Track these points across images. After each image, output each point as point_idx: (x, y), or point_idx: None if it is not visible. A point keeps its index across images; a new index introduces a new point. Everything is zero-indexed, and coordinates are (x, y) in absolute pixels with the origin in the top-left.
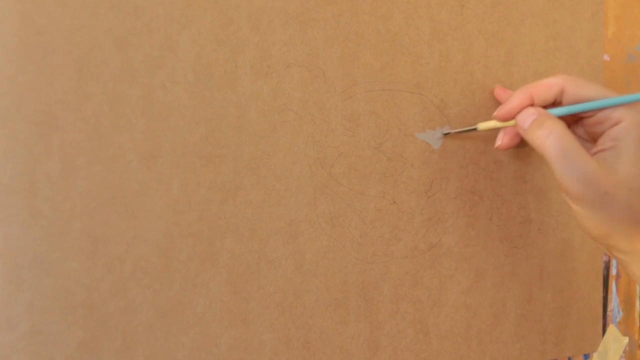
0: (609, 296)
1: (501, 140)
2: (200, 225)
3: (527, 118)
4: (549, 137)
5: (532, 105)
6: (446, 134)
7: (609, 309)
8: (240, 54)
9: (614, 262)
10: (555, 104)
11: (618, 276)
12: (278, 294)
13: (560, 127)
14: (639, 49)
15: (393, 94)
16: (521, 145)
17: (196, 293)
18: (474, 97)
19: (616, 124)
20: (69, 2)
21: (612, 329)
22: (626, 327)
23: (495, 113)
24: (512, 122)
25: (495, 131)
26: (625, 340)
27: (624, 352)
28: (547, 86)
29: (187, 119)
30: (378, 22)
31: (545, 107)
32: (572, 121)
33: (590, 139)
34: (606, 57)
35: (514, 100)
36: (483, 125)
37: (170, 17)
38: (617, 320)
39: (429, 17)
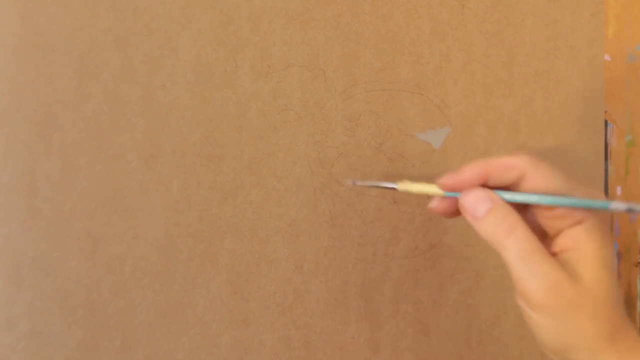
0: None
1: (438, 204)
2: (200, 225)
3: (478, 205)
4: (510, 236)
5: (484, 184)
6: (357, 184)
7: None
8: (240, 54)
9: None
10: (509, 187)
11: (618, 277)
12: (278, 294)
13: (522, 226)
14: (639, 49)
15: (393, 93)
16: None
17: (196, 293)
18: (474, 97)
19: (578, 223)
20: (69, 2)
21: None
22: None
23: (441, 179)
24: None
25: None
26: None
27: None
28: (508, 167)
29: (187, 119)
30: (378, 22)
31: (498, 189)
32: (522, 206)
33: (548, 234)
34: (607, 57)
35: (465, 172)
36: (404, 187)
37: (170, 17)
38: None
39: (430, 17)
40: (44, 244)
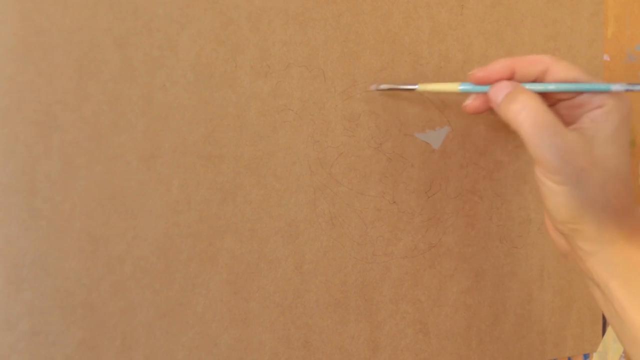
0: None
1: (471, 101)
2: (200, 225)
3: (499, 91)
4: (522, 111)
5: (511, 78)
6: (377, 89)
7: None
8: (240, 54)
9: None
10: (534, 81)
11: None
12: (278, 294)
13: (535, 101)
14: (639, 49)
15: (393, 93)
16: (491, 114)
17: (196, 293)
18: None
19: (597, 108)
20: (69, 2)
21: (612, 329)
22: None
23: (470, 72)
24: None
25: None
26: None
27: (624, 352)
28: (533, 62)
29: (187, 119)
30: (378, 22)
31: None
32: (550, 104)
33: (567, 123)
34: (606, 57)
35: (494, 66)
36: (425, 87)
37: (170, 17)
38: None
39: (429, 17)
40: (44, 244)
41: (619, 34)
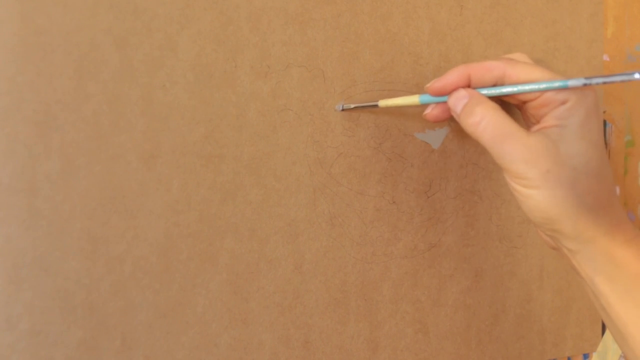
0: None
1: (430, 110)
2: (200, 225)
3: (458, 102)
4: (481, 123)
5: (468, 86)
6: (343, 109)
7: None
8: (240, 54)
9: None
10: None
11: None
12: (278, 294)
13: (492, 112)
14: (639, 49)
15: (393, 94)
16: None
17: (196, 293)
18: None
19: (561, 104)
20: (69, 2)
21: None
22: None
23: (428, 85)
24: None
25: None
26: None
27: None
28: (487, 68)
29: (187, 119)
30: (377, 22)
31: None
32: (516, 106)
33: (535, 123)
34: (605, 57)
35: (449, 76)
36: (384, 102)
37: (170, 17)
38: None
39: (429, 17)
40: (44, 244)
41: (619, 34)
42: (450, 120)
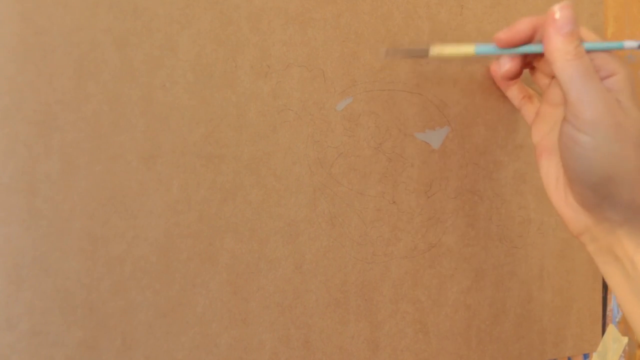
0: (609, 296)
1: (508, 65)
2: (200, 225)
3: (568, 22)
4: (579, 58)
5: (532, 38)
6: (387, 55)
7: (608, 308)
8: (240, 54)
9: None
10: None
11: None
12: (278, 294)
13: (588, 57)
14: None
15: (393, 94)
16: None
17: (196, 293)
18: (474, 97)
19: (611, 75)
20: (69, 2)
21: (611, 328)
22: (626, 327)
23: (496, 35)
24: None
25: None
26: (625, 340)
27: (624, 352)
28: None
29: (187, 119)
30: (378, 22)
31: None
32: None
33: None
34: None
35: (519, 26)
36: (437, 50)
37: (170, 17)
38: (617, 320)
39: (429, 17)
40: (44, 244)
41: (619, 34)
42: (450, 120)
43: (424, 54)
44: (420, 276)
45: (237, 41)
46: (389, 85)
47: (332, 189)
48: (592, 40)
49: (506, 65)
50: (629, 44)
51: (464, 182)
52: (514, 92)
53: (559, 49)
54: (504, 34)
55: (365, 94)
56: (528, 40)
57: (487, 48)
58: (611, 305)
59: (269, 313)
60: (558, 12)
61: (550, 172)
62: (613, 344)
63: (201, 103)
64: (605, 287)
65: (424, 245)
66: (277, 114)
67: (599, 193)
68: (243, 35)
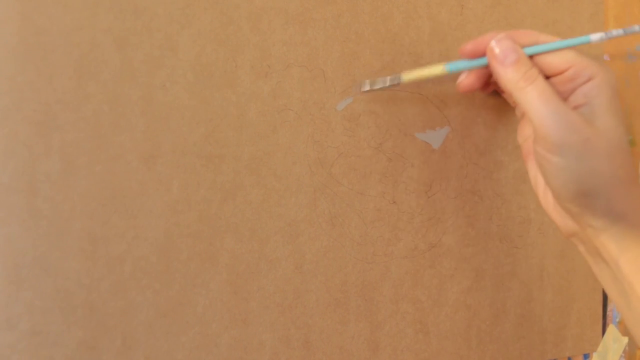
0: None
1: (465, 77)
2: (200, 225)
3: (508, 54)
4: (531, 83)
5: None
6: (365, 91)
7: (608, 309)
8: (240, 54)
9: None
10: None
11: None
12: (278, 294)
13: (542, 77)
14: (639, 49)
15: (393, 94)
16: (482, 90)
17: (196, 293)
18: (474, 97)
19: (588, 80)
20: (69, 2)
21: (612, 329)
22: (626, 327)
23: (462, 47)
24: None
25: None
26: (625, 340)
27: (624, 352)
28: (522, 34)
29: (187, 119)
30: (378, 22)
31: None
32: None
33: (561, 98)
34: (606, 57)
35: (485, 38)
36: (408, 76)
37: (170, 17)
38: (617, 320)
39: (429, 17)
40: (44, 244)
41: None
42: (450, 120)
43: (397, 81)
44: (420, 276)
45: (237, 41)
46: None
47: (333, 189)
48: (551, 41)
49: (466, 79)
50: (595, 37)
51: (464, 182)
52: None
53: (509, 80)
54: (470, 45)
55: (365, 94)
56: None
57: (457, 64)
58: (611, 305)
59: (269, 313)
60: (496, 48)
61: (537, 177)
62: (613, 344)
63: (201, 103)
64: None
65: (424, 245)
66: (277, 114)
67: (577, 205)
68: (243, 35)
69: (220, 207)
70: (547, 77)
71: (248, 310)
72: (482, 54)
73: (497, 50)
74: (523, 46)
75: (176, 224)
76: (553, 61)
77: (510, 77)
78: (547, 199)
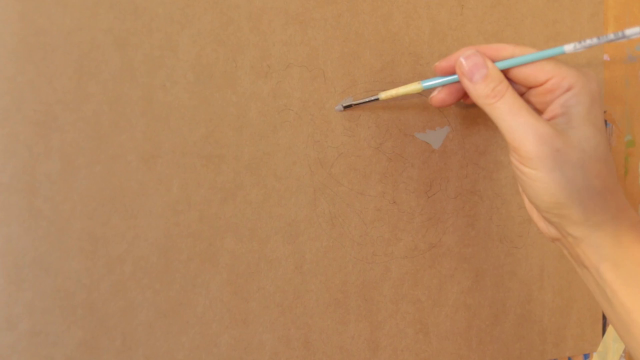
0: None
1: (437, 93)
2: (200, 225)
3: (476, 70)
4: (501, 98)
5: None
6: (346, 106)
7: None
8: (240, 54)
9: None
10: None
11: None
12: (278, 294)
13: (512, 90)
14: (639, 49)
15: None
16: (455, 104)
17: (196, 293)
18: None
19: (567, 90)
20: (69, 2)
21: (612, 329)
22: None
23: (436, 64)
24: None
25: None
26: None
27: (624, 352)
28: (497, 49)
29: (187, 119)
30: (378, 22)
31: None
32: (520, 93)
33: (540, 110)
34: (606, 57)
35: (458, 55)
36: (385, 94)
37: (170, 17)
38: None
39: (429, 17)
40: (44, 244)
41: None
42: (450, 120)
43: (374, 99)
44: (420, 276)
45: (237, 41)
46: (389, 85)
47: (333, 189)
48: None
49: (439, 94)
50: (569, 47)
51: (464, 182)
52: None
53: (479, 96)
54: (444, 62)
55: (365, 94)
56: None
57: (433, 81)
58: None
59: (269, 313)
60: (465, 64)
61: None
62: (613, 344)
63: (201, 103)
64: None
65: (424, 245)
66: (278, 114)
67: (554, 215)
68: (243, 35)
69: (220, 207)
70: (528, 89)
71: (248, 310)
72: (454, 72)
73: (465, 67)
74: (497, 60)
75: (176, 224)
76: (532, 73)
77: (479, 92)
78: (530, 205)
